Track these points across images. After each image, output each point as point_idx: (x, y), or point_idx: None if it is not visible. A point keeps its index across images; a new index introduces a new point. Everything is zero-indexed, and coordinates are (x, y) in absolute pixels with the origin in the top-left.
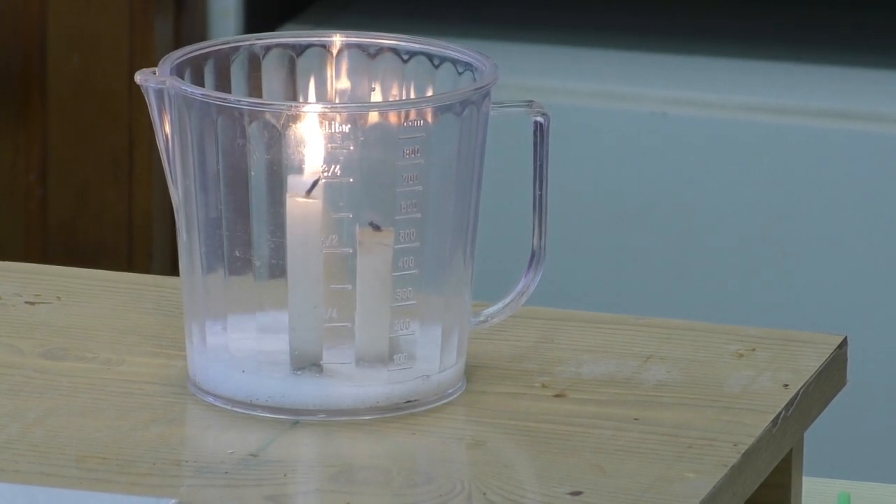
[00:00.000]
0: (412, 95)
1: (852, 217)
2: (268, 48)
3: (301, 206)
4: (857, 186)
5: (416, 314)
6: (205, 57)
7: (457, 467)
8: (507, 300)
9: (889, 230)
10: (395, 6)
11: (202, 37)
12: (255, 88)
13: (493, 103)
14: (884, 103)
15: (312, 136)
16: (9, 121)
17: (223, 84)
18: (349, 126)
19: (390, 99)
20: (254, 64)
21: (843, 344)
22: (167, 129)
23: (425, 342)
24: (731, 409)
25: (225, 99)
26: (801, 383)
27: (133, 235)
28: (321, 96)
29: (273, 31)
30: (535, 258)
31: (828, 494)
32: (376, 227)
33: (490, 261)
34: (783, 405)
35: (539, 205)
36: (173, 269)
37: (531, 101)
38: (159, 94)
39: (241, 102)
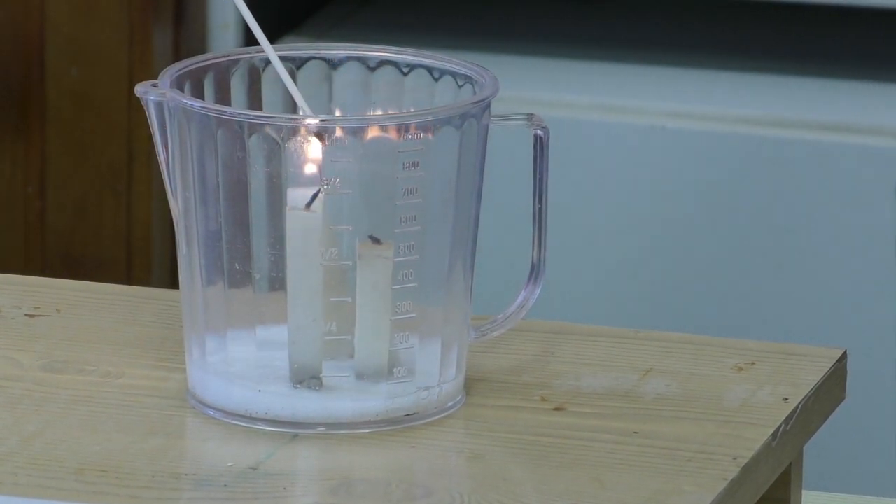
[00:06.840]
0: (412, 108)
1: (852, 230)
2: (268, 61)
3: (301, 219)
4: (857, 199)
5: (415, 327)
6: (205, 69)
7: (456, 480)
8: (506, 313)
9: (888, 243)
10: (395, 19)
11: (202, 49)
12: (254, 101)
13: (493, 116)
14: (884, 116)
15: (312, 149)
16: (8, 133)
17: (223, 97)
18: (349, 139)
19: (390, 112)
20: (254, 77)
21: (843, 358)
22: (167, 141)
23: (425, 355)
24: (731, 423)
25: (225, 112)
26: (801, 397)
27: (132, 248)
28: (321, 109)
29: (273, 43)
30: (534, 271)
31: None
32: (376, 240)
33: (489, 274)
34: (782, 419)
35: (538, 218)
36: (173, 282)
37: (531, 115)
38: (159, 106)
39: (241, 115)
